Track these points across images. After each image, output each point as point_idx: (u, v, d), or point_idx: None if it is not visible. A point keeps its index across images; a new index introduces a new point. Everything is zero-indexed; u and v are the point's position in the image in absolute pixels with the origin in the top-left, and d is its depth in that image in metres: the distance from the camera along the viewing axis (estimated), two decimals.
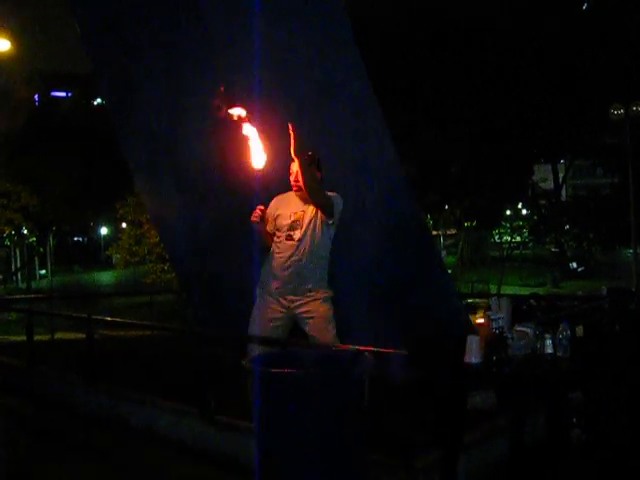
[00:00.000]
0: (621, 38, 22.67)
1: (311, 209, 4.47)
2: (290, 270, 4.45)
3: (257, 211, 4.43)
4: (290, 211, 4.53)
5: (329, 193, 4.46)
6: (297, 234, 4.45)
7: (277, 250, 4.53)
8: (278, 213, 4.58)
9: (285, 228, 4.51)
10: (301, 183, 4.36)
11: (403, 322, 4.85)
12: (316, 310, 4.44)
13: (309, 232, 4.45)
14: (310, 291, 4.44)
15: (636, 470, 3.61)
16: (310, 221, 4.46)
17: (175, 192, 5.97)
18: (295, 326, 4.57)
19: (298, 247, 4.45)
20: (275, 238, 4.55)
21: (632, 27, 22.19)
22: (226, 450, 4.19)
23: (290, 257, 4.47)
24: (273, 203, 4.65)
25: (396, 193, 5.18)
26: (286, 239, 4.48)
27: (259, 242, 4.63)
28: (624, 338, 5.04)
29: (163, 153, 5.88)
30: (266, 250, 4.63)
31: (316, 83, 5.07)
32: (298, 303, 4.45)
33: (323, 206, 4.43)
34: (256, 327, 4.56)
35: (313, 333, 4.44)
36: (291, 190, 4.54)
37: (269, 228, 4.59)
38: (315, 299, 4.44)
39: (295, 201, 4.54)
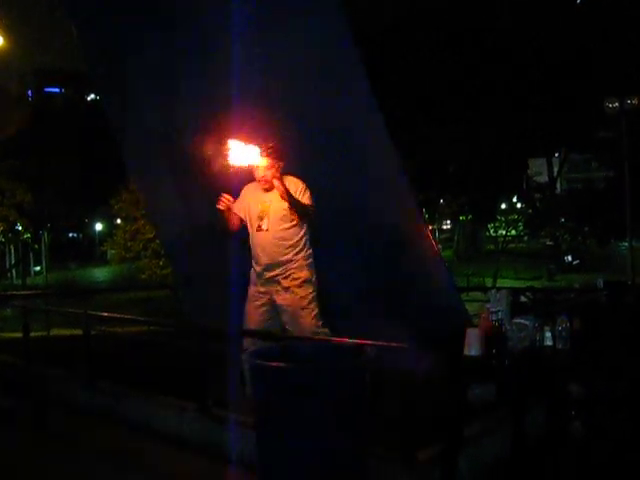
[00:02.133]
0: (616, 32, 22.67)
1: (277, 198, 4.57)
2: (264, 259, 4.64)
3: (224, 200, 4.58)
4: (258, 201, 4.69)
5: (297, 185, 4.57)
6: (265, 224, 4.63)
7: (252, 241, 4.73)
8: (248, 203, 4.74)
9: (255, 219, 4.68)
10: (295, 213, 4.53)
11: (402, 315, 4.84)
12: (292, 297, 4.59)
13: (276, 221, 4.60)
14: (285, 277, 4.60)
15: (635, 463, 3.62)
16: (277, 210, 4.59)
17: (171, 187, 5.95)
18: None
19: (266, 235, 4.62)
20: (249, 229, 4.73)
21: (627, 21, 22.20)
22: (225, 444, 4.17)
23: (262, 247, 4.64)
24: (244, 192, 4.82)
25: (395, 190, 5.16)
26: (257, 230, 4.67)
27: (223, 226, 4.78)
28: (621, 330, 5.05)
29: (158, 149, 5.85)
30: (229, 234, 4.83)
31: (313, 82, 5.05)
32: (275, 289, 4.63)
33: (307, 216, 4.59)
34: (246, 317, 4.74)
35: (288, 325, 4.62)
36: None
37: (242, 215, 4.76)
38: (292, 284, 4.58)
39: (262, 191, 4.68)
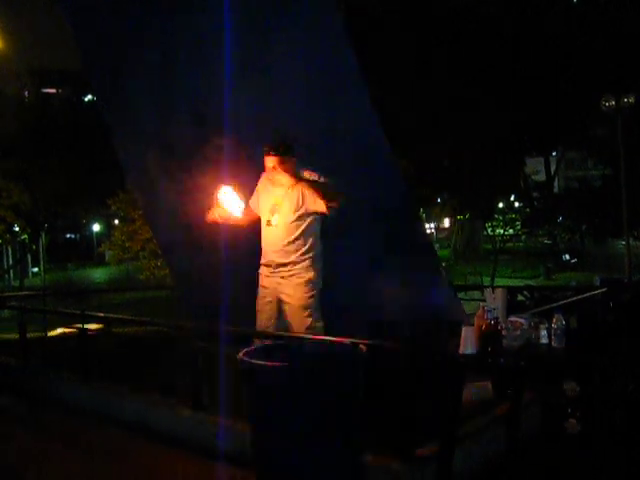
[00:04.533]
0: (612, 30, 22.70)
1: (291, 195, 4.53)
2: (272, 256, 4.62)
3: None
4: (270, 195, 4.65)
5: (311, 174, 4.52)
6: (275, 219, 4.59)
7: (262, 235, 4.70)
8: (260, 195, 4.73)
9: (266, 213, 4.65)
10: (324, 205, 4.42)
11: (398, 313, 4.85)
12: (293, 295, 4.59)
13: (287, 218, 4.56)
14: (290, 273, 4.58)
15: (631, 459, 3.63)
16: (289, 207, 4.54)
17: (168, 188, 5.94)
18: None
19: (276, 231, 4.59)
20: (261, 223, 4.69)
21: (623, 19, 22.24)
22: (220, 444, 4.18)
23: (270, 243, 4.63)
24: (258, 187, 4.77)
25: (389, 186, 5.17)
26: (267, 224, 4.64)
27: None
28: (617, 328, 5.06)
29: (155, 149, 5.85)
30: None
31: (308, 82, 5.06)
32: (280, 284, 4.62)
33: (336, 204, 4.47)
34: (258, 313, 4.74)
35: (288, 318, 4.62)
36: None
37: (253, 205, 4.75)
38: (293, 282, 4.57)
39: (275, 186, 4.62)
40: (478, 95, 22.86)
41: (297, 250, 4.57)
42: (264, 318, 4.70)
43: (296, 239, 4.56)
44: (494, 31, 23.23)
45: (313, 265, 4.61)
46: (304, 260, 4.58)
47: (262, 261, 4.74)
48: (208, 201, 4.69)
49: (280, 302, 4.68)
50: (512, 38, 23.15)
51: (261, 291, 4.75)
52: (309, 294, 4.59)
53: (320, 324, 4.61)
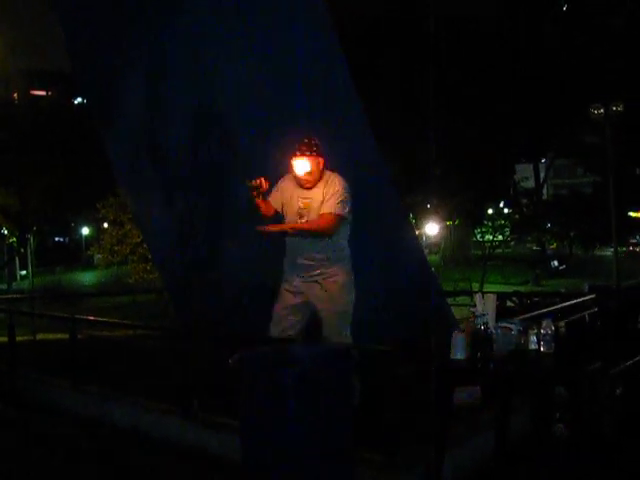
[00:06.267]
0: (600, 39, 22.89)
1: (319, 197, 4.34)
2: (300, 259, 4.40)
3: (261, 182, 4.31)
4: (298, 197, 4.43)
5: (330, 188, 4.32)
6: (304, 222, 4.37)
7: (288, 240, 4.47)
8: (287, 197, 4.48)
9: (293, 215, 4.43)
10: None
11: (388, 318, 4.86)
12: (329, 299, 4.35)
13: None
14: (324, 277, 4.37)
15: (619, 464, 3.66)
16: (319, 209, 4.32)
17: (158, 192, 5.94)
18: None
19: (303, 237, 4.37)
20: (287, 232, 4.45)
21: (612, 28, 22.42)
22: (210, 448, 4.18)
23: (298, 245, 4.40)
24: (282, 185, 4.52)
25: (379, 190, 5.19)
26: (289, 234, 4.43)
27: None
28: (605, 334, 5.10)
29: (145, 153, 5.85)
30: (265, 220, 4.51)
31: (295, 79, 5.07)
32: (315, 290, 4.39)
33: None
34: (274, 317, 4.50)
35: (323, 325, 4.35)
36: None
37: (278, 207, 4.49)
38: (330, 285, 4.35)
39: (303, 188, 4.42)
40: (468, 101, 22.99)
41: (328, 251, 4.37)
42: (284, 325, 4.44)
43: (326, 240, 4.35)
44: (485, 39, 23.37)
45: (345, 268, 4.43)
46: (335, 261, 4.39)
47: (290, 267, 4.49)
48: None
49: (309, 307, 4.46)
50: (502, 46, 23.31)
51: (286, 296, 4.49)
52: (347, 299, 4.40)
53: (350, 339, 4.35)
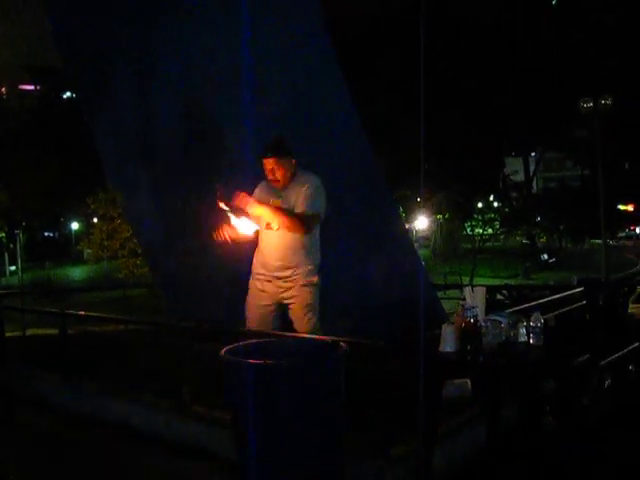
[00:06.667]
0: (590, 33, 22.96)
1: (290, 197, 4.43)
2: (273, 258, 4.49)
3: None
4: (269, 198, 4.51)
5: (310, 182, 4.39)
6: (275, 223, 4.44)
7: (261, 239, 4.56)
8: (259, 200, 4.53)
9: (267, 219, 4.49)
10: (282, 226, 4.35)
11: (378, 312, 4.87)
12: (297, 296, 4.48)
13: None
14: (292, 277, 4.46)
15: (606, 455, 3.69)
16: (289, 209, 4.40)
17: (147, 186, 5.93)
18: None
19: (277, 235, 4.45)
20: (260, 227, 4.55)
21: (602, 22, 22.49)
22: (202, 442, 4.18)
23: (271, 246, 4.50)
24: (257, 191, 4.61)
25: (370, 185, 5.20)
26: (266, 228, 4.50)
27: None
28: (594, 326, 5.14)
29: (135, 148, 5.84)
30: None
31: (285, 77, 5.07)
32: (282, 289, 4.49)
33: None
34: (248, 314, 4.62)
35: (292, 319, 4.51)
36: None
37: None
38: (297, 284, 4.46)
39: (275, 188, 4.51)
40: (459, 95, 23.00)
41: (299, 252, 4.45)
42: (257, 322, 4.55)
43: (298, 240, 4.43)
44: (476, 33, 23.37)
45: (315, 267, 4.51)
46: (307, 263, 4.47)
47: (258, 265, 4.59)
48: (214, 221, 4.47)
49: (280, 306, 4.57)
50: (492, 39, 23.33)
51: (257, 295, 4.60)
52: (314, 294, 4.49)
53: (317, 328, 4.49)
